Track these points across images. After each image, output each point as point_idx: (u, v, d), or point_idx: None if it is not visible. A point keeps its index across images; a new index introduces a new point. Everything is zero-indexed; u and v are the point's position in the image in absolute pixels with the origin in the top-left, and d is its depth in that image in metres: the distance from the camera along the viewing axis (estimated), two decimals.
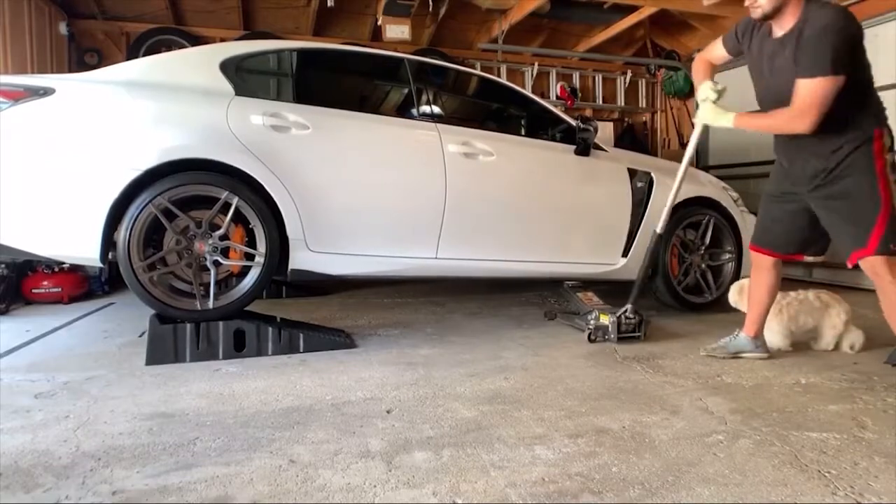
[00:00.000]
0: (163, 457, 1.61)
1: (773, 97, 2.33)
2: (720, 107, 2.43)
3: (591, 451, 1.68)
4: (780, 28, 2.27)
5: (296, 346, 2.69)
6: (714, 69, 2.64)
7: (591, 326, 2.95)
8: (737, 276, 3.82)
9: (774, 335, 2.77)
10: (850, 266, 2.34)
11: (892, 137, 2.27)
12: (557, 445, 1.71)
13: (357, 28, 6.15)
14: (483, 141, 3.16)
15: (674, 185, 2.85)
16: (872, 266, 2.23)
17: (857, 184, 2.23)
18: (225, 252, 2.63)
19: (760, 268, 2.61)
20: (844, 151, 2.23)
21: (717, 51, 2.61)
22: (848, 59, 2.13)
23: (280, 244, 2.68)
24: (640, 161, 3.75)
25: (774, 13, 2.24)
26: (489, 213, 3.18)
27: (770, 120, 2.34)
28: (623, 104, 7.23)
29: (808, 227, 2.44)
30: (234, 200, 2.58)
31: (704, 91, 2.47)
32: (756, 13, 2.28)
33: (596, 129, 3.47)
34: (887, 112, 2.32)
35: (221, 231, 2.61)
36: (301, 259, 2.75)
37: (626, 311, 2.92)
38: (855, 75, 2.17)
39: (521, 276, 3.43)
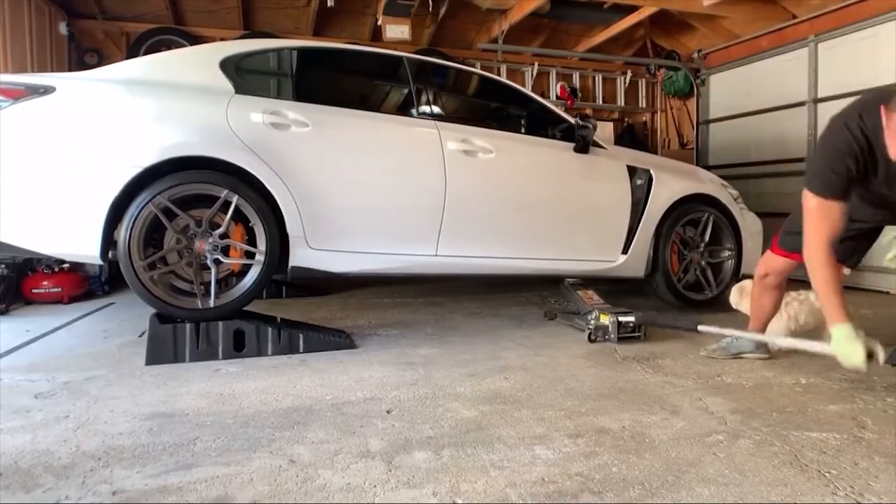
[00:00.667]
0: (163, 457, 1.61)
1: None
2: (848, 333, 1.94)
3: (591, 451, 1.68)
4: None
5: (296, 347, 2.69)
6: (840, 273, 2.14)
7: (591, 326, 2.95)
8: (736, 273, 3.84)
9: (774, 335, 2.76)
10: None
11: None
12: (557, 445, 1.71)
13: (357, 28, 6.15)
14: (482, 138, 3.17)
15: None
16: None
17: None
18: (225, 251, 2.64)
19: (767, 287, 2.51)
20: None
21: (834, 215, 1.99)
22: None
23: (280, 242, 2.69)
24: (640, 159, 3.76)
25: None
26: (489, 210, 3.19)
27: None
28: (623, 104, 7.23)
29: (863, 238, 2.33)
30: (234, 199, 2.58)
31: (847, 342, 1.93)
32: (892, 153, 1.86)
33: (595, 127, 3.48)
34: None
35: (222, 229, 2.61)
36: (301, 257, 2.75)
37: (626, 311, 2.92)
38: None
39: (521, 273, 3.44)
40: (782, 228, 2.46)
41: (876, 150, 1.92)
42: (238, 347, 2.61)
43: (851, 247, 2.30)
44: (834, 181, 1.96)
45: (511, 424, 1.86)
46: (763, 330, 2.64)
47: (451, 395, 2.15)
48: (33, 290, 3.99)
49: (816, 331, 2.79)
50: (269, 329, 2.66)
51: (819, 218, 2.00)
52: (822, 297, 2.02)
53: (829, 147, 1.99)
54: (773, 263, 2.48)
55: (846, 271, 2.31)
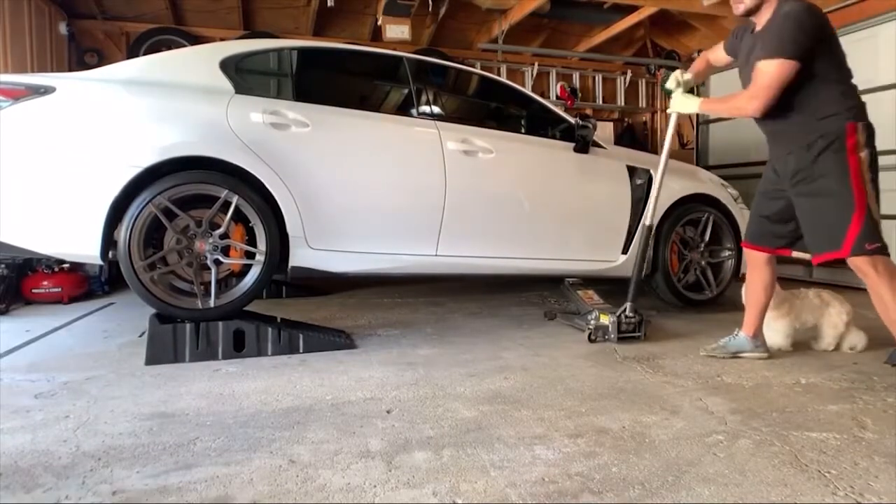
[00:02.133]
0: (163, 457, 1.61)
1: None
2: (688, 95, 2.60)
3: (591, 451, 1.68)
4: (759, 24, 2.36)
5: (296, 347, 2.69)
6: (712, 69, 2.83)
7: (591, 326, 2.95)
8: (736, 273, 3.84)
9: (776, 334, 2.77)
10: (814, 264, 2.39)
11: (869, 132, 2.26)
12: (557, 445, 1.71)
13: (357, 28, 6.15)
14: (482, 138, 3.17)
15: (657, 175, 2.96)
16: (857, 265, 2.25)
17: (830, 185, 2.24)
18: (225, 251, 2.64)
19: (755, 266, 2.63)
20: (818, 147, 2.25)
21: (718, 52, 2.70)
22: (806, 46, 2.19)
23: (280, 242, 2.69)
24: (640, 158, 3.76)
25: (756, 8, 2.33)
26: (489, 210, 3.19)
27: (727, 102, 2.50)
28: (623, 104, 7.23)
29: (794, 221, 2.45)
30: (234, 199, 2.58)
31: (671, 82, 2.64)
32: (738, 9, 2.37)
33: (595, 127, 3.49)
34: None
35: (222, 230, 2.61)
36: (301, 256, 2.76)
37: (625, 310, 2.92)
38: (820, 67, 2.22)
39: (521, 273, 3.44)
40: None
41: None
42: (238, 347, 2.61)
43: (788, 229, 2.50)
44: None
45: (511, 424, 1.86)
46: (759, 321, 2.65)
47: (451, 395, 2.15)
48: (33, 290, 3.99)
49: (816, 329, 2.81)
50: (269, 329, 2.66)
51: None
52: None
53: None
54: (750, 259, 2.68)
55: (805, 256, 2.53)
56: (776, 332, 2.76)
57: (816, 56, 2.22)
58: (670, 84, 2.66)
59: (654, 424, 1.88)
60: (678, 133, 7.31)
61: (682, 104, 2.61)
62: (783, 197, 2.45)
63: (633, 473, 1.54)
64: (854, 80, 2.33)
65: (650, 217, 2.96)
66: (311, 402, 2.06)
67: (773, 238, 2.55)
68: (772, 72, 2.21)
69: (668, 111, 2.71)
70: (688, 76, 2.66)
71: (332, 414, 1.94)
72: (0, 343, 2.87)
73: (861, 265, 2.23)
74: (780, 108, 2.32)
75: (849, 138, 2.22)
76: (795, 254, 2.56)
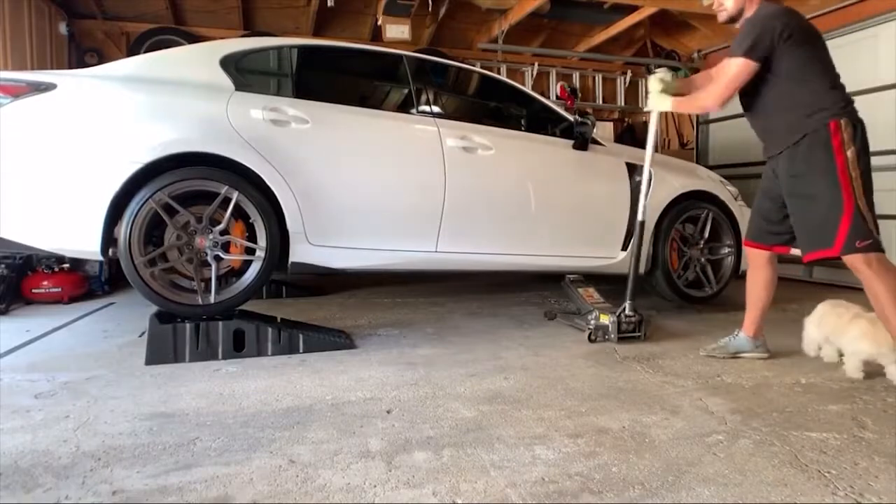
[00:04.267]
0: (163, 457, 1.61)
1: (741, 98, 2.51)
2: (664, 94, 2.63)
3: (591, 451, 1.68)
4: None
5: (295, 347, 2.69)
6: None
7: (591, 326, 2.95)
8: (736, 270, 3.85)
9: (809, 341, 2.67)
10: (804, 262, 2.42)
11: (855, 128, 2.27)
12: (557, 445, 1.71)
13: (357, 28, 6.15)
14: (481, 135, 3.18)
15: (644, 171, 3.01)
16: (851, 263, 2.27)
17: (819, 185, 2.27)
18: (225, 247, 2.64)
19: (756, 266, 2.64)
20: (804, 145, 2.29)
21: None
22: (765, 46, 2.25)
23: (280, 238, 2.69)
24: (639, 156, 3.76)
25: (739, 15, 2.40)
26: (488, 206, 3.20)
27: (693, 101, 2.60)
28: (623, 104, 7.23)
29: (786, 218, 2.48)
30: (234, 195, 2.59)
31: (654, 81, 2.68)
32: (722, 16, 2.46)
33: (593, 123, 3.50)
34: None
35: (222, 226, 2.61)
36: (301, 252, 2.76)
37: (624, 309, 2.92)
38: (797, 67, 2.27)
39: (520, 269, 3.45)
40: None
41: None
42: (238, 347, 2.61)
43: (785, 227, 2.51)
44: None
45: (511, 424, 1.86)
46: (760, 321, 2.65)
47: (451, 395, 2.15)
48: (33, 290, 3.99)
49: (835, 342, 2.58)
50: (269, 329, 2.66)
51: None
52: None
53: None
54: (751, 258, 2.68)
55: (795, 251, 2.57)
56: (810, 341, 2.66)
57: (790, 56, 2.27)
58: (652, 84, 2.68)
59: (654, 424, 1.88)
60: (678, 133, 7.32)
61: (657, 103, 2.66)
62: (780, 195, 2.47)
63: (633, 473, 1.54)
64: (841, 80, 2.35)
65: (641, 213, 2.97)
66: (311, 402, 2.06)
67: (771, 235, 2.56)
68: (733, 69, 2.33)
69: (645, 109, 2.75)
70: (668, 77, 2.69)
71: (332, 414, 1.94)
72: (0, 343, 2.87)
73: (854, 262, 2.24)
74: (765, 108, 2.40)
75: (833, 137, 2.24)
76: (794, 251, 2.57)
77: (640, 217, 2.97)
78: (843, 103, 2.29)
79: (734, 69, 2.32)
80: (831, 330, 2.53)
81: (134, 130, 2.52)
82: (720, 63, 2.49)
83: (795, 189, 2.35)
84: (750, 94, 2.43)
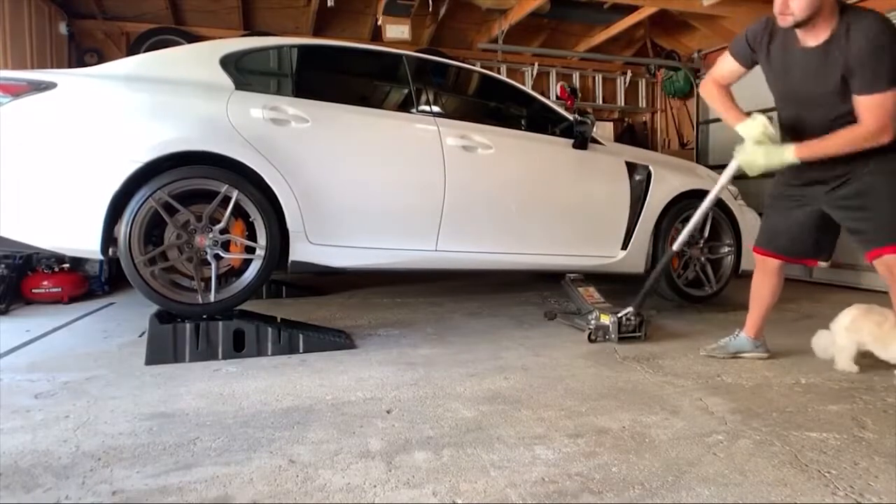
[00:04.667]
0: (163, 457, 1.61)
1: (804, 104, 2.33)
2: (772, 146, 2.30)
3: (591, 451, 1.68)
4: (814, 37, 2.20)
5: (295, 347, 2.68)
6: (729, 90, 2.51)
7: (591, 326, 2.95)
8: (736, 269, 3.85)
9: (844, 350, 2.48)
10: (869, 260, 2.34)
11: None
12: (557, 445, 1.71)
13: (357, 28, 6.15)
14: (481, 134, 3.18)
15: (705, 204, 2.76)
16: (889, 265, 2.26)
17: (886, 183, 2.24)
18: (225, 246, 2.64)
19: (766, 272, 2.60)
20: (876, 152, 2.22)
21: (727, 67, 2.48)
22: None
23: (280, 237, 2.69)
24: (638, 155, 3.78)
25: (807, 21, 2.15)
26: (488, 205, 3.20)
27: (841, 143, 2.20)
28: (623, 104, 7.23)
29: (818, 231, 2.44)
30: (234, 194, 2.59)
31: (756, 130, 2.29)
32: (787, 21, 2.17)
33: (593, 123, 3.50)
34: None
35: (222, 225, 2.61)
36: (301, 251, 2.76)
37: (627, 312, 2.92)
38: None
39: (520, 268, 3.45)
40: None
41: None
42: (238, 347, 2.61)
43: (812, 240, 2.46)
44: None
45: (511, 424, 1.86)
46: (762, 323, 2.64)
47: (451, 395, 2.15)
48: (33, 290, 3.98)
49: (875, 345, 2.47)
50: (269, 329, 2.66)
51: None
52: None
53: None
54: (761, 263, 2.63)
55: (822, 264, 2.52)
56: (843, 348, 2.45)
57: None
58: (755, 135, 2.30)
59: (654, 424, 1.88)
60: (678, 132, 7.32)
61: (764, 158, 2.29)
62: (807, 203, 2.41)
63: (633, 473, 1.54)
64: None
65: (678, 245, 2.87)
66: (311, 402, 2.06)
67: (796, 249, 2.50)
68: (891, 103, 2.10)
69: (750, 172, 2.36)
70: (771, 130, 2.31)
71: (332, 414, 1.94)
72: (0, 343, 2.87)
73: (894, 264, 2.25)
74: (832, 126, 2.24)
75: None
76: (822, 264, 2.54)
77: (675, 247, 2.88)
78: None
79: (892, 102, 2.08)
80: (869, 338, 2.38)
81: (134, 129, 2.52)
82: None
83: (854, 189, 2.28)
84: (821, 107, 2.26)
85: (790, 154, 2.25)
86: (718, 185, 2.65)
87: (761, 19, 2.36)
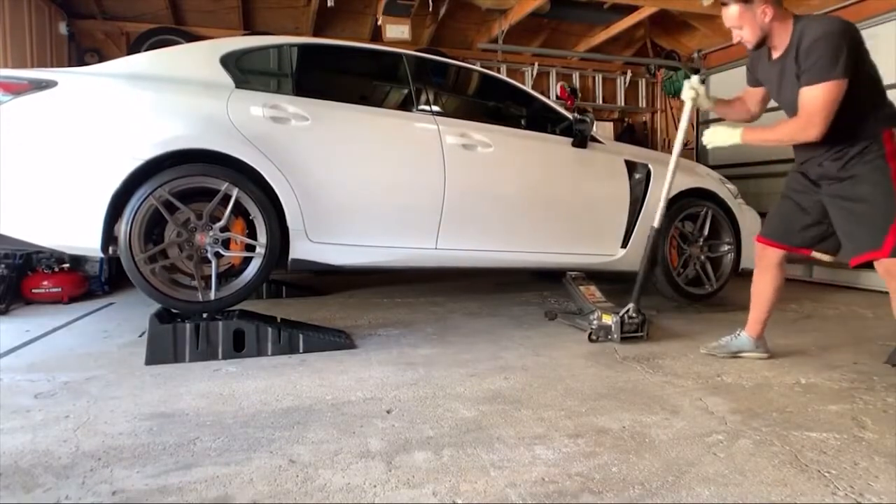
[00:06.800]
0: (163, 457, 1.61)
1: (788, 111, 2.41)
2: (725, 125, 2.51)
3: (591, 451, 1.68)
4: (777, 49, 2.34)
5: (296, 347, 2.69)
6: (760, 105, 2.65)
7: (593, 326, 2.95)
8: (736, 267, 3.85)
9: None
10: (851, 266, 2.36)
11: None
12: (557, 445, 1.71)
13: (357, 28, 6.15)
14: (481, 133, 3.19)
15: (666, 179, 2.89)
16: (887, 267, 2.26)
17: (871, 189, 2.24)
18: (226, 244, 2.65)
19: (766, 266, 2.61)
20: (855, 152, 2.26)
21: (747, 90, 2.65)
22: (850, 62, 2.14)
23: (280, 235, 2.70)
24: (638, 153, 3.78)
25: (764, 40, 2.32)
26: (488, 203, 3.21)
27: (777, 132, 2.38)
28: (623, 104, 7.23)
29: (819, 221, 2.46)
30: (234, 192, 2.59)
31: (688, 91, 2.60)
32: (747, 46, 2.37)
33: (592, 121, 3.51)
34: None
35: (222, 223, 2.62)
36: (301, 249, 2.77)
37: (628, 310, 2.92)
38: (858, 78, 2.19)
39: (520, 266, 3.46)
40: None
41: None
42: (238, 347, 2.61)
43: (814, 230, 2.49)
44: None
45: (511, 424, 1.86)
46: (764, 322, 2.64)
47: (451, 395, 2.15)
48: (33, 290, 3.99)
49: None
50: (269, 329, 2.66)
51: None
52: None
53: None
54: (761, 259, 2.65)
55: (825, 257, 2.55)
56: None
57: (858, 69, 2.19)
58: (686, 93, 2.61)
59: (654, 424, 1.88)
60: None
61: (720, 136, 2.50)
62: (811, 194, 2.44)
63: (633, 473, 1.54)
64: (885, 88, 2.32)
65: (658, 220, 2.90)
66: (311, 402, 2.06)
67: (793, 236, 2.53)
68: (825, 96, 2.16)
69: (707, 144, 2.59)
70: (697, 82, 2.61)
71: (332, 414, 1.94)
72: (0, 343, 2.87)
73: (893, 266, 2.24)
74: None
75: (887, 144, 2.23)
76: (815, 254, 2.55)
77: (656, 224, 2.91)
78: (893, 114, 2.28)
79: (826, 94, 2.14)
80: None
81: (134, 127, 2.53)
82: (802, 95, 2.24)
83: (842, 192, 2.31)
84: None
85: (737, 135, 2.46)
86: (678, 140, 2.87)
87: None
